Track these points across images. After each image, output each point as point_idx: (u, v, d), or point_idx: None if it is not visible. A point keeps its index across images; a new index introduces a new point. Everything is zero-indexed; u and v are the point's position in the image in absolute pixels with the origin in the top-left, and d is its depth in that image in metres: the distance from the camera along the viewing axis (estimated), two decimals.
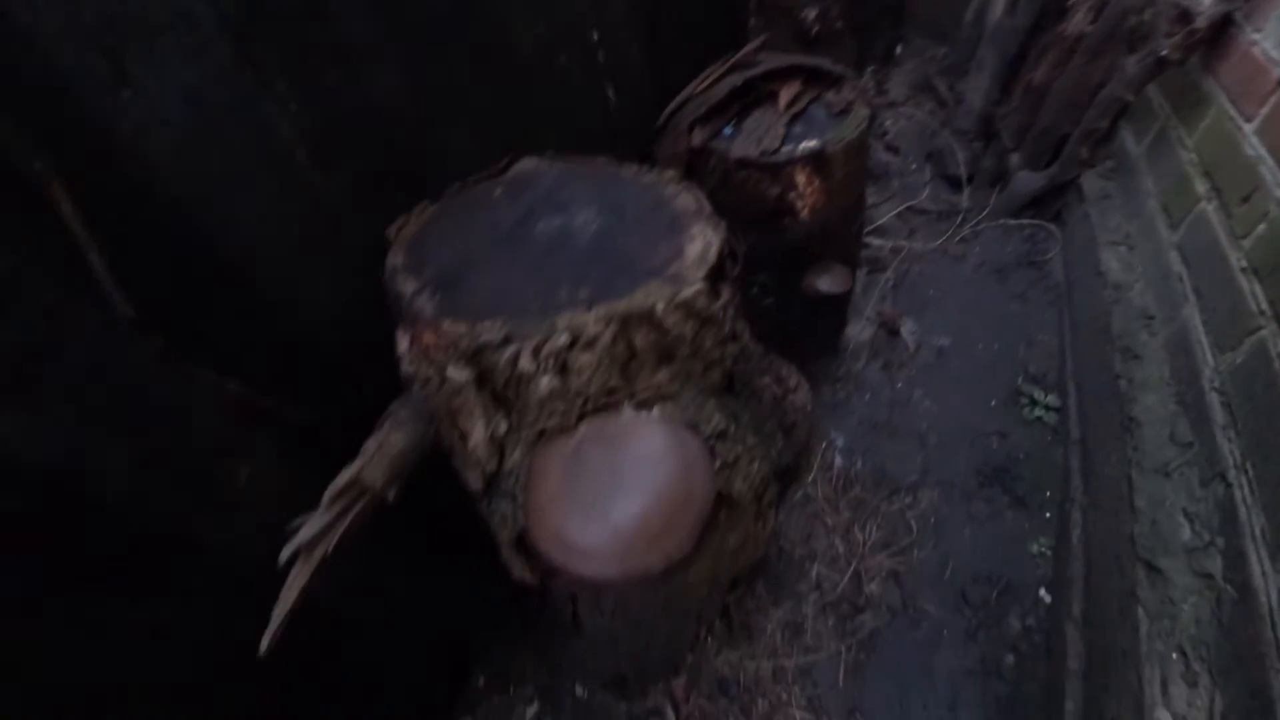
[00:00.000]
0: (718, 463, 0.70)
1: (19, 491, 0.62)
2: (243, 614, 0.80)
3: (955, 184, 2.56)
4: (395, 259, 0.82)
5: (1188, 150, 1.64)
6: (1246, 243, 1.30)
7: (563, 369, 0.65)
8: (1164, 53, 1.69)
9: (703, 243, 0.77)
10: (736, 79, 1.58)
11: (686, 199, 0.88)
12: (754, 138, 1.49)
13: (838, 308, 1.90)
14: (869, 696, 1.39)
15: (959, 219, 2.43)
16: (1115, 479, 1.40)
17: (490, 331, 0.63)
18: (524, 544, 0.77)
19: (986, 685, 1.39)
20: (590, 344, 0.64)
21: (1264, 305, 1.19)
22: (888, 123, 2.92)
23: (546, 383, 0.65)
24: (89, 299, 0.64)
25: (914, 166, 2.72)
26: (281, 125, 0.80)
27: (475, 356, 0.64)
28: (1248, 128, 1.40)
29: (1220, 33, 1.60)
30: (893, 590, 1.53)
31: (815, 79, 1.62)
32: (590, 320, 0.64)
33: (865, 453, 1.79)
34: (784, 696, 1.39)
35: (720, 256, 0.76)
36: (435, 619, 1.30)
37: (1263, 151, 1.33)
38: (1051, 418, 1.79)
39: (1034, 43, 2.31)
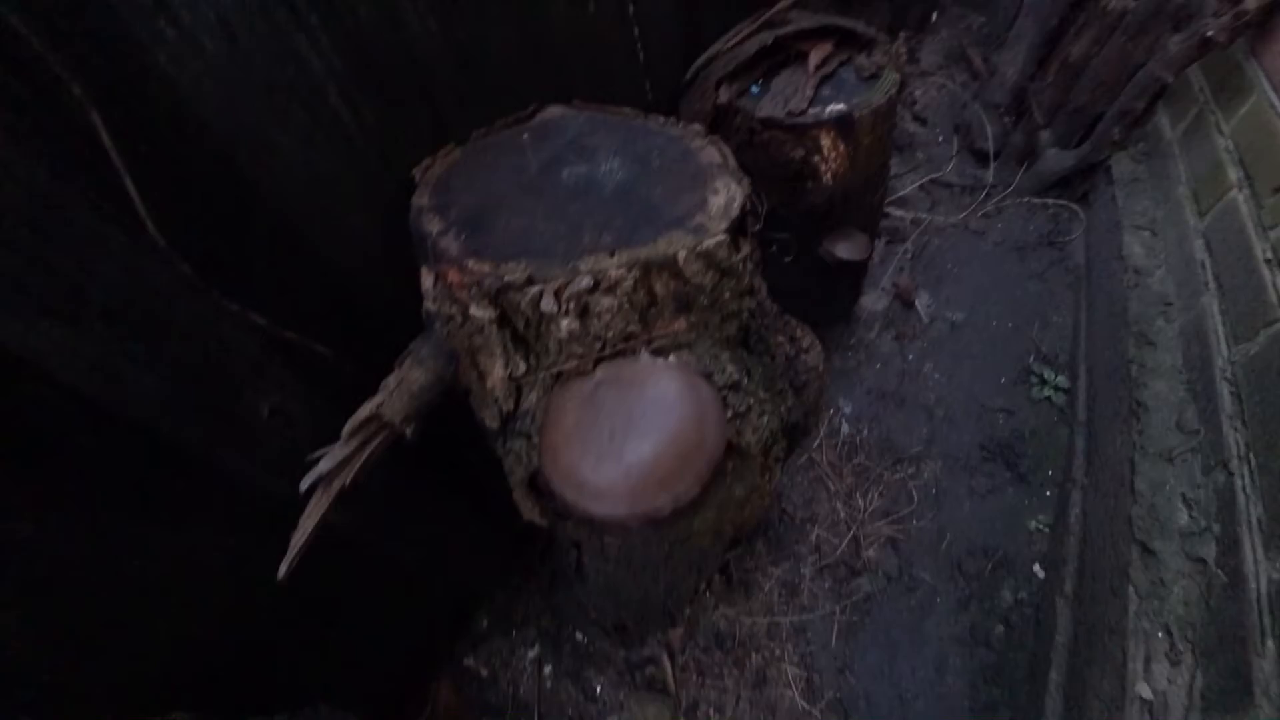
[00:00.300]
0: (729, 413, 0.71)
1: (53, 409, 0.64)
2: (263, 540, 0.83)
3: (982, 158, 2.52)
4: (421, 199, 0.82)
5: (1224, 136, 1.61)
6: (1274, 234, 1.29)
7: (583, 312, 0.66)
8: (1210, 33, 1.64)
9: (726, 196, 0.78)
10: (766, 37, 1.55)
11: (711, 152, 0.88)
12: (781, 98, 1.47)
13: (854, 276, 1.89)
14: (860, 657, 1.43)
15: (983, 194, 2.40)
16: (1118, 461, 1.41)
17: (514, 272, 0.64)
18: (536, 484, 0.79)
19: (975, 653, 1.43)
20: (611, 288, 0.65)
21: None
22: (917, 92, 2.86)
23: (567, 325, 0.66)
24: (123, 223, 0.66)
25: (941, 138, 2.68)
26: (313, 61, 0.80)
27: (498, 296, 0.65)
28: None
29: (1270, 16, 1.56)
30: (890, 557, 1.56)
31: (847, 41, 1.59)
32: (613, 265, 0.65)
33: (872, 421, 1.81)
34: (777, 652, 1.43)
35: (743, 210, 0.76)
36: (442, 560, 1.33)
37: None
38: (1060, 398, 1.80)
39: (1074, 17, 2.25)
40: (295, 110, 0.80)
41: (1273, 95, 1.46)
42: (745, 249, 0.76)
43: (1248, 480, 1.14)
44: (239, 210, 0.79)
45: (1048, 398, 1.80)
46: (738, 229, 0.75)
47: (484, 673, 1.45)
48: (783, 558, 1.56)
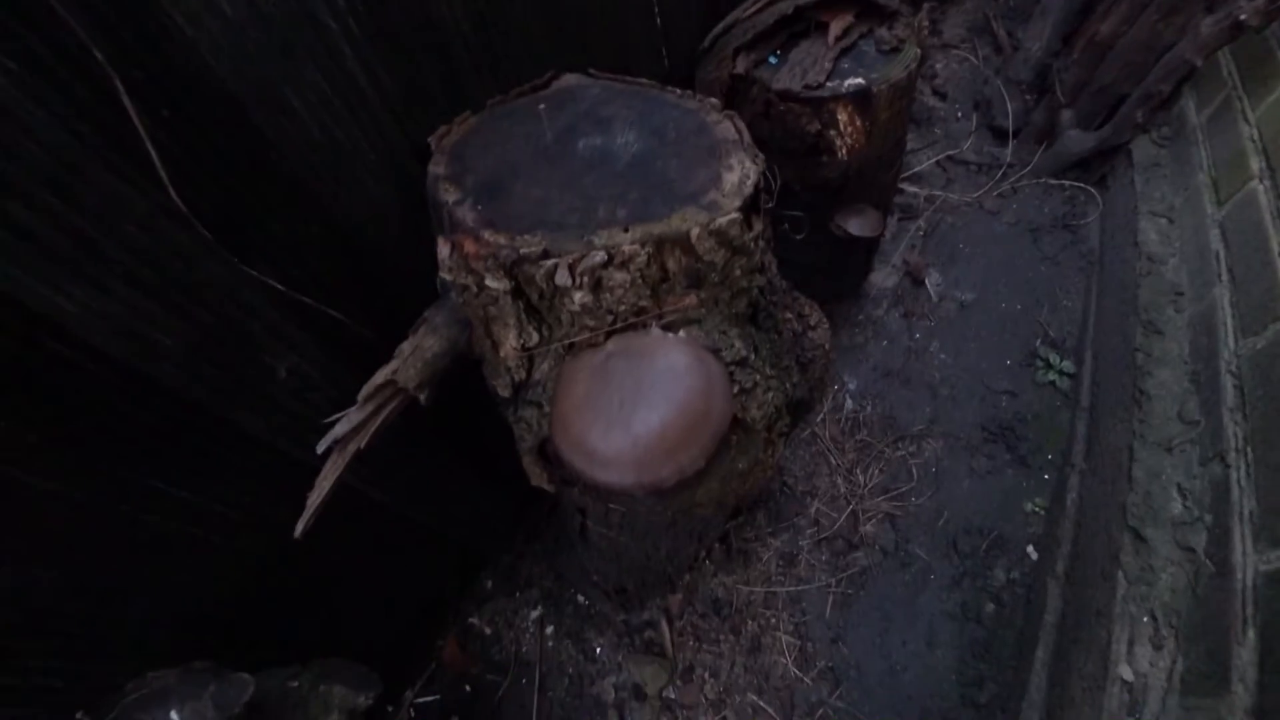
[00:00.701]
0: (735, 388, 0.73)
1: (78, 368, 0.66)
2: (279, 498, 0.86)
3: (1001, 136, 2.48)
4: (437, 167, 0.83)
5: (1249, 125, 1.58)
6: None
7: (597, 285, 0.67)
8: (1242, 16, 1.61)
9: (740, 173, 0.78)
10: (786, 6, 1.52)
11: (727, 127, 0.88)
12: (799, 69, 1.45)
13: (866, 251, 1.89)
14: (853, 628, 1.47)
15: (1000, 173, 2.37)
16: (1117, 449, 1.42)
17: (530, 245, 0.65)
18: (545, 452, 0.81)
19: (965, 629, 1.46)
20: (625, 263, 0.66)
21: None
22: (938, 65, 2.81)
23: (580, 298, 0.67)
24: (144, 187, 0.66)
25: (960, 114, 2.64)
26: (330, 23, 0.80)
27: (513, 268, 0.66)
28: None
29: None
30: (887, 532, 1.58)
31: (868, 12, 1.57)
32: (626, 240, 0.65)
33: (876, 398, 1.82)
34: (773, 620, 1.47)
35: (756, 188, 0.77)
36: (450, 521, 1.37)
37: None
38: (1064, 383, 1.80)
39: None
40: (311, 73, 0.80)
41: None
42: (757, 227, 0.76)
43: (1243, 473, 1.15)
44: (255, 174, 0.79)
45: (1052, 382, 1.81)
46: (750, 207, 0.76)
47: (488, 631, 1.50)
48: (782, 529, 1.59)
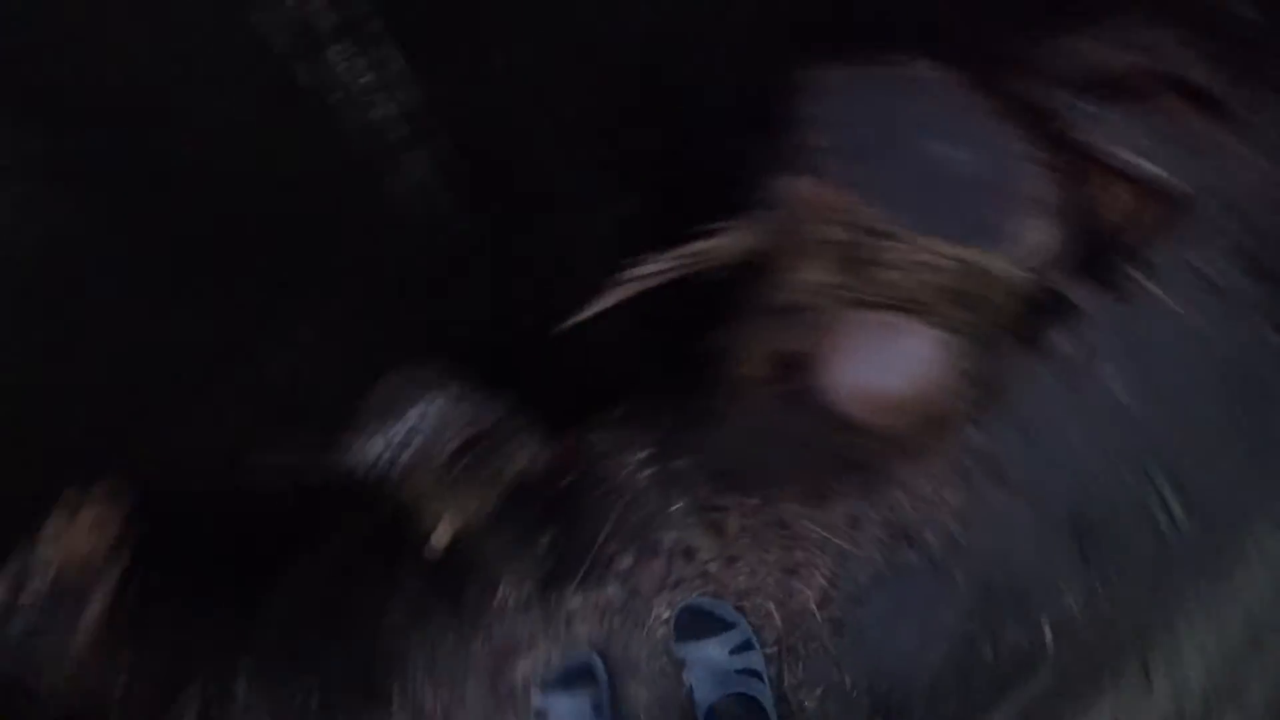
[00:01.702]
0: (955, 389, 0.92)
1: None
2: None
3: None
4: (808, 107, 0.99)
5: None
6: None
7: (906, 272, 0.85)
8: None
9: (1040, 235, 0.92)
10: None
11: (1044, 183, 1.01)
12: None
13: None
14: (874, 600, 1.71)
15: None
16: None
17: (884, 223, 0.83)
18: (778, 357, 1.03)
19: (961, 658, 1.69)
20: (937, 270, 0.84)
21: None
22: None
23: (887, 275, 0.86)
24: None
25: None
26: None
27: (854, 228, 0.85)
28: None
29: None
30: (942, 547, 1.79)
31: None
32: (948, 252, 0.83)
33: None
34: (816, 560, 1.73)
35: (1047, 257, 0.92)
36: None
37: None
38: None
39: None
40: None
41: None
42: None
43: None
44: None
45: None
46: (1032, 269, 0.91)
47: (598, 449, 1.80)
48: (861, 495, 1.81)
